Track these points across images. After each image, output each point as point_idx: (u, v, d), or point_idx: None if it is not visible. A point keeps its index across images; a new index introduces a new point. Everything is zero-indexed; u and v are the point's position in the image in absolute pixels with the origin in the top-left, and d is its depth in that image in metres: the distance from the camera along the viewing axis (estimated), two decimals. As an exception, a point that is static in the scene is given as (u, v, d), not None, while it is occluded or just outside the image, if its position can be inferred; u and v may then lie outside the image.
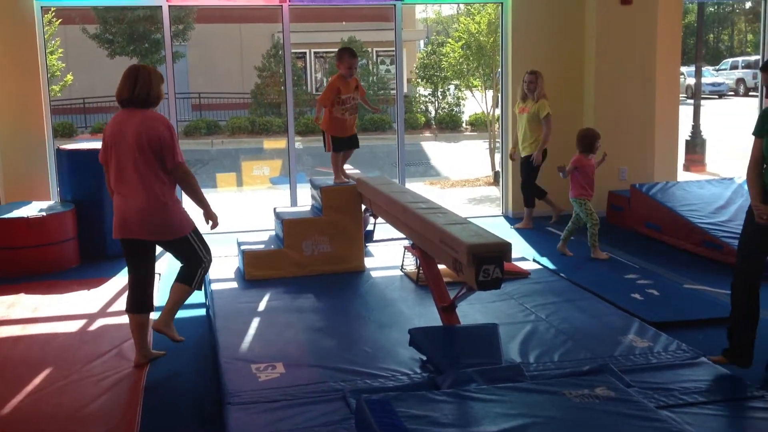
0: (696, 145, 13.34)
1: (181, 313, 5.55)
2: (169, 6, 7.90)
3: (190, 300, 5.79)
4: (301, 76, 23.79)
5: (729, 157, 13.89)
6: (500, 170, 8.96)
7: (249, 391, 3.84)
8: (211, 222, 4.50)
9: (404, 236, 5.57)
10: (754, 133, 4.18)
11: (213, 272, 5.99)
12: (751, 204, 4.14)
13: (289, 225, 6.08)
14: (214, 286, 5.62)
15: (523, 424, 3.10)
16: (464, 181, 13.26)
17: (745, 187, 7.85)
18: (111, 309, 5.62)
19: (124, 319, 5.33)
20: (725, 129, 17.95)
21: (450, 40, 17.26)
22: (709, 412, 3.54)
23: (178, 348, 4.78)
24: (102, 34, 21.92)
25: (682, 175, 10.46)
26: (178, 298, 4.50)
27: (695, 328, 4.89)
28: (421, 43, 27.43)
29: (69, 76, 18.21)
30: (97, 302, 5.76)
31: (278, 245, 6.16)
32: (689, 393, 3.70)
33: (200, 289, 4.68)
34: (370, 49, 23.27)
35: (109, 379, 4.25)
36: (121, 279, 6.42)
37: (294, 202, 8.44)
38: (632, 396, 3.38)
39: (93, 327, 5.23)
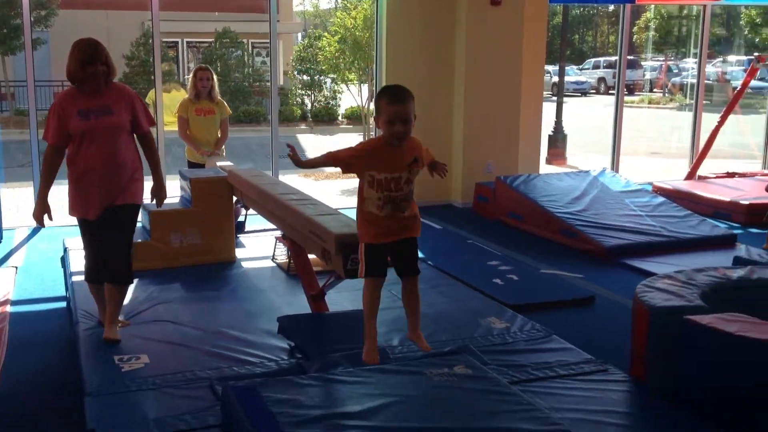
0: (558, 140, 14.04)
1: (41, 306, 5.40)
2: (29, -11, 7.56)
3: (50, 293, 5.68)
4: (173, 66, 23.20)
5: (588, 151, 14.68)
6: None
7: (111, 381, 3.77)
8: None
9: (276, 227, 5.59)
10: None
11: (75, 265, 5.80)
12: None
13: (155, 216, 5.96)
14: (75, 279, 5.44)
15: (385, 403, 3.23)
16: (338, 173, 13.36)
17: (600, 179, 8.41)
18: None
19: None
20: (586, 125, 18.94)
21: (326, 34, 17.32)
22: (558, 385, 3.79)
23: (37, 342, 4.64)
24: (-44, 18, 20.59)
25: (545, 168, 10.96)
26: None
27: (549, 310, 5.21)
28: (299, 36, 27.32)
29: None
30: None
31: (145, 237, 6.03)
32: (540, 368, 3.95)
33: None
34: (246, 41, 22.99)
35: (-39, 377, 4.06)
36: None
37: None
38: (488, 373, 3.57)
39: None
